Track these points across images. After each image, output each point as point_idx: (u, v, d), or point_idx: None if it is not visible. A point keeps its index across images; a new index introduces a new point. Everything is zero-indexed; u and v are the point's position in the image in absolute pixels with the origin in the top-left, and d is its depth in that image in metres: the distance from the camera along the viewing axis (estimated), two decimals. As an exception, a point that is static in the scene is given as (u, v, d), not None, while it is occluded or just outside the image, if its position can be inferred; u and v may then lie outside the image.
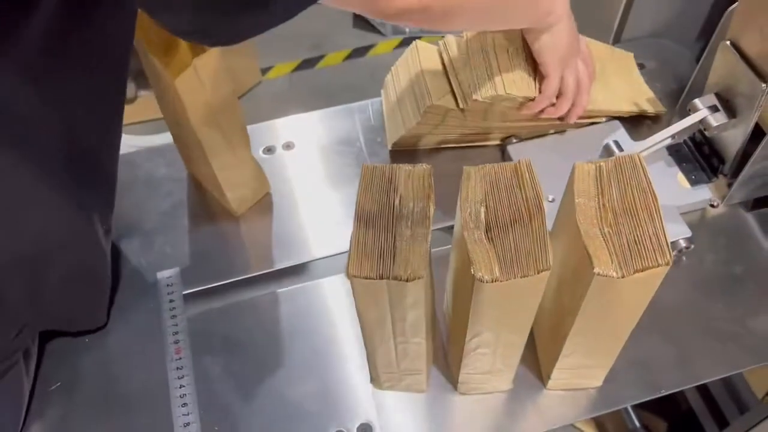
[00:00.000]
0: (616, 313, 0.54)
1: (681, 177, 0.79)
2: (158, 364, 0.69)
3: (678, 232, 0.74)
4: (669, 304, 0.72)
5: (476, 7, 0.60)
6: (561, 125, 0.83)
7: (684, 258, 0.76)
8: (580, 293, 0.52)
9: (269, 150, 0.86)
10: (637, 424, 1.17)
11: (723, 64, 0.72)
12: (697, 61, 0.93)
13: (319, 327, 0.72)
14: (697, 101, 0.74)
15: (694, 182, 0.79)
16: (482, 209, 0.52)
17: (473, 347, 0.57)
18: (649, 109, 0.86)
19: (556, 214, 0.60)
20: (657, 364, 0.69)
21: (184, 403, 0.66)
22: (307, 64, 2.16)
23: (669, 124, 0.78)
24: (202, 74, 0.63)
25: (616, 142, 0.77)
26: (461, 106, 0.77)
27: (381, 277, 0.49)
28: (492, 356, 0.59)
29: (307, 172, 0.85)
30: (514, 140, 0.84)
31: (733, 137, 0.74)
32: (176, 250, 0.77)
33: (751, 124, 0.71)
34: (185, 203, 0.82)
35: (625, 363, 0.67)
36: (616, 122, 0.85)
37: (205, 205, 0.81)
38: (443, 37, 0.81)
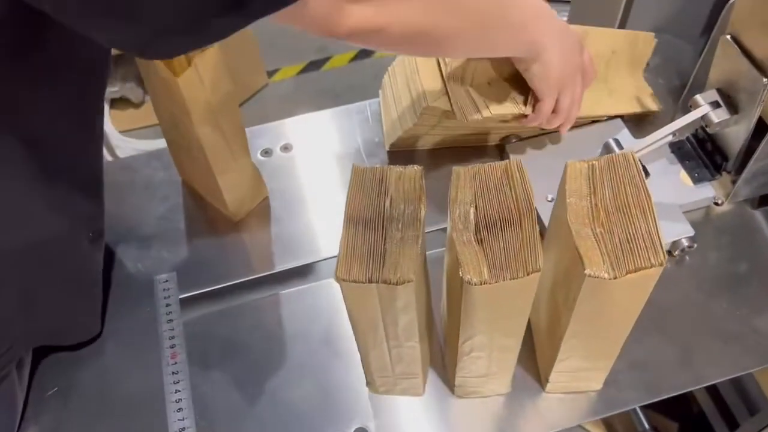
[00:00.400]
0: (610, 314, 0.53)
1: (684, 175, 0.78)
2: (154, 368, 0.69)
3: (681, 231, 0.73)
4: (672, 304, 0.71)
5: (441, 35, 0.55)
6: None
7: (687, 257, 0.74)
8: (572, 295, 0.51)
9: (267, 152, 0.86)
10: (647, 426, 1.16)
11: (724, 59, 0.71)
12: (701, 56, 0.92)
13: (316, 330, 0.72)
14: (698, 97, 0.72)
15: (697, 180, 0.77)
16: (471, 210, 0.51)
17: (467, 351, 0.57)
18: (649, 107, 0.84)
19: (551, 213, 0.59)
20: (659, 365, 0.67)
21: (179, 408, 0.66)
22: (313, 66, 2.16)
23: (671, 121, 0.77)
24: (203, 72, 0.63)
25: (617, 141, 0.76)
26: (458, 118, 0.76)
27: (370, 281, 0.48)
28: (487, 360, 0.58)
29: (305, 174, 0.84)
30: (514, 140, 0.83)
31: (735, 133, 0.73)
32: (173, 254, 0.77)
33: (754, 120, 0.70)
34: (182, 207, 0.81)
35: (627, 364, 0.66)
36: (618, 120, 0.84)
37: (202, 209, 0.81)
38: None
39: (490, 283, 0.47)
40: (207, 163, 0.71)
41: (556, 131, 0.79)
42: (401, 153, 0.84)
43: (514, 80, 0.73)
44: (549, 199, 0.75)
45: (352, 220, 0.51)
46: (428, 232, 0.51)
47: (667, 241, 0.72)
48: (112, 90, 1.90)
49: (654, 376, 0.67)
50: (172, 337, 0.70)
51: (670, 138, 0.74)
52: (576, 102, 0.72)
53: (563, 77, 0.69)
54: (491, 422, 0.66)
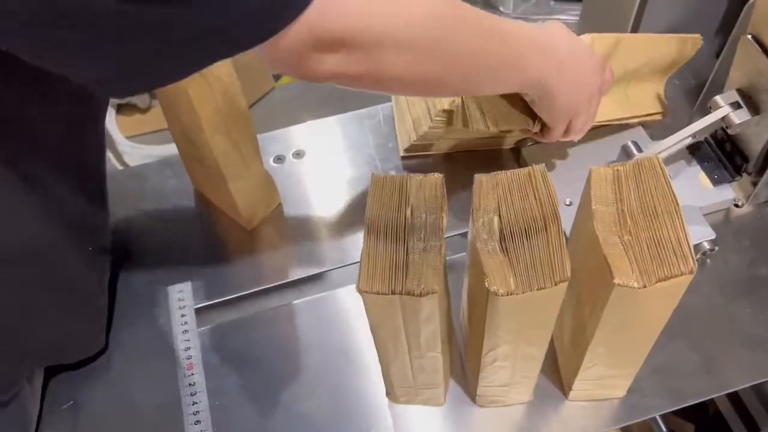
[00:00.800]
0: (638, 323, 0.52)
1: (703, 176, 0.77)
2: (171, 380, 0.68)
3: (701, 234, 0.72)
4: (693, 309, 0.70)
5: (431, 81, 0.51)
6: None
7: (708, 260, 0.73)
8: (600, 304, 0.50)
9: (279, 159, 0.85)
10: (664, 429, 1.14)
11: (744, 60, 0.70)
12: (716, 56, 0.91)
13: (334, 339, 0.71)
14: (718, 98, 0.71)
15: (716, 181, 0.76)
16: (495, 218, 0.50)
17: (490, 360, 0.56)
18: (657, 111, 0.83)
19: (573, 220, 0.58)
20: (681, 371, 0.66)
21: (197, 421, 0.65)
22: (320, 69, 2.15)
23: (689, 122, 0.76)
24: (213, 82, 0.62)
25: (635, 143, 0.75)
26: (466, 126, 0.75)
27: (393, 293, 0.47)
28: (510, 369, 0.57)
29: (318, 180, 0.83)
30: (529, 143, 0.82)
31: (756, 134, 0.72)
32: (187, 263, 0.76)
33: (776, 121, 0.68)
34: (195, 216, 0.81)
35: (648, 370, 0.65)
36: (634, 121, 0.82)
37: (215, 218, 0.80)
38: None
39: (517, 294, 0.46)
40: (219, 171, 0.70)
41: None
42: (415, 158, 0.83)
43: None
44: (567, 203, 0.74)
45: (372, 230, 0.50)
46: (445, 237, 0.50)
47: (688, 244, 0.71)
48: (119, 95, 1.90)
49: (677, 382, 0.66)
50: (188, 348, 0.70)
51: (689, 140, 0.73)
52: (590, 120, 0.68)
53: (573, 106, 0.64)
54: (513, 431, 0.65)
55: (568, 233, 0.58)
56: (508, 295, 0.46)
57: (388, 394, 0.65)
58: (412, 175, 0.53)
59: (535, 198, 0.50)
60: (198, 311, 0.73)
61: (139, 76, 0.42)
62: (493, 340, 0.52)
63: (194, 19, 0.38)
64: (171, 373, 0.68)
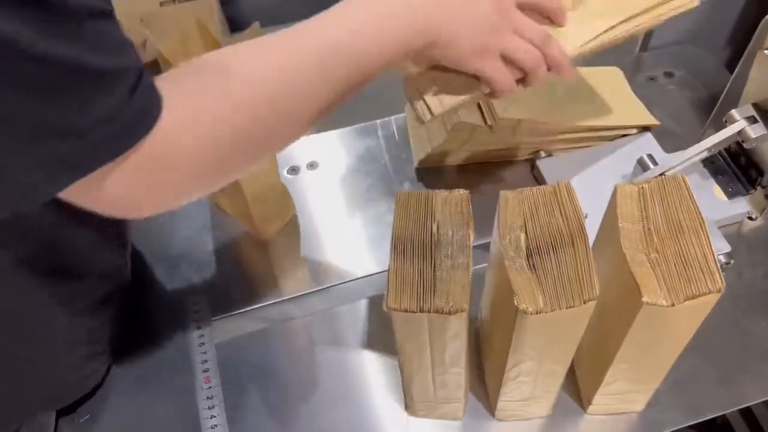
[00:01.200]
0: (664, 340, 0.52)
1: (717, 189, 0.77)
2: (188, 393, 0.68)
3: (716, 247, 0.72)
4: (708, 323, 0.68)
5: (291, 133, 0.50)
6: (590, 136, 0.82)
7: (723, 274, 0.73)
8: (626, 321, 0.50)
9: (294, 170, 0.85)
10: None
11: (760, 74, 0.70)
12: (727, 67, 0.91)
13: (347, 352, 0.71)
14: (734, 112, 0.72)
15: (731, 195, 0.77)
16: (522, 236, 0.50)
17: (513, 376, 0.56)
18: (643, 122, 0.83)
19: (596, 235, 0.58)
20: (699, 385, 0.66)
21: (215, 434, 0.65)
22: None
23: (702, 134, 0.76)
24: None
25: (650, 156, 0.75)
26: (488, 122, 0.75)
27: (422, 311, 0.47)
28: (532, 384, 0.57)
29: (333, 191, 0.83)
30: (543, 155, 0.82)
31: (771, 149, 0.72)
32: (202, 275, 0.76)
33: (792, 136, 0.69)
34: (210, 228, 0.80)
35: (666, 385, 0.65)
36: (648, 134, 0.83)
37: (230, 229, 0.80)
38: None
39: (546, 312, 0.46)
40: (235, 182, 0.70)
41: (590, 140, 0.78)
42: (430, 169, 0.83)
43: None
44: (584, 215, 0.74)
45: (399, 247, 0.51)
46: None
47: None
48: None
49: (695, 396, 0.66)
50: (205, 361, 0.69)
51: (705, 153, 0.74)
52: (536, 41, 0.55)
53: (470, 39, 0.52)
54: (532, 445, 0.65)
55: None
56: (537, 313, 0.46)
57: (407, 407, 0.65)
58: (437, 191, 0.53)
59: (561, 214, 0.51)
60: (214, 323, 0.72)
61: None
62: (518, 356, 0.53)
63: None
64: (189, 386, 0.68)
